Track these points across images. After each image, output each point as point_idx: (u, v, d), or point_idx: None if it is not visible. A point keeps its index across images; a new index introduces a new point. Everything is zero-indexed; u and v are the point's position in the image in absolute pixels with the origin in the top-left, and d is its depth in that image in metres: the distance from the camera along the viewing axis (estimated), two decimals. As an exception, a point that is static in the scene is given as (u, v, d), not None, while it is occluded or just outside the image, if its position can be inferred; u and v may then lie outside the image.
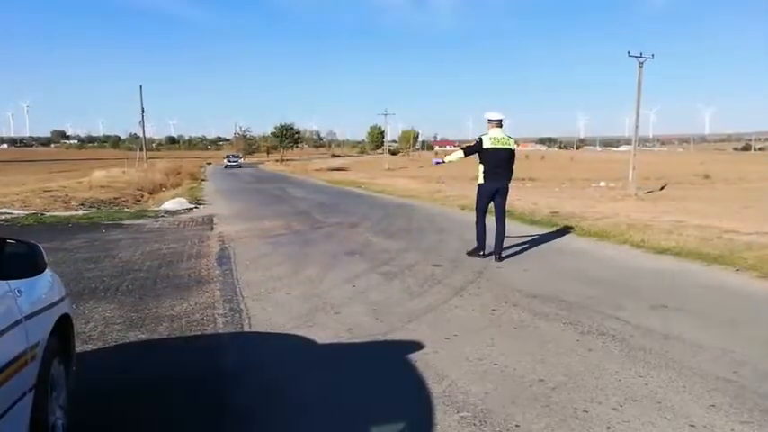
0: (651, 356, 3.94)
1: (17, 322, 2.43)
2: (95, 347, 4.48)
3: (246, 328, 4.93)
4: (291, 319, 5.13)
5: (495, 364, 3.86)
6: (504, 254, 7.83)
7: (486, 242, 7.88)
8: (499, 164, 7.62)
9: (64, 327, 3.09)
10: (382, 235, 10.51)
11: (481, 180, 7.74)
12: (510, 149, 7.69)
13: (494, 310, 5.24)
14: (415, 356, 4.07)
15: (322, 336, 4.65)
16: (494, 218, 7.85)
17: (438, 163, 9.03)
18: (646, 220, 11.20)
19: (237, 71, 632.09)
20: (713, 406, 3.20)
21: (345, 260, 7.97)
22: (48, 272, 3.15)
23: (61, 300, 3.08)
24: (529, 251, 8.43)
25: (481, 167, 7.71)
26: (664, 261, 7.51)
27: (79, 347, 4.39)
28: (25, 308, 2.55)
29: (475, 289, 6.07)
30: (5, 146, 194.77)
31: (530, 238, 9.68)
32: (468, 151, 7.81)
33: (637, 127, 32.71)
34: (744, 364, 3.77)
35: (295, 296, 5.98)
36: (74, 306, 5.62)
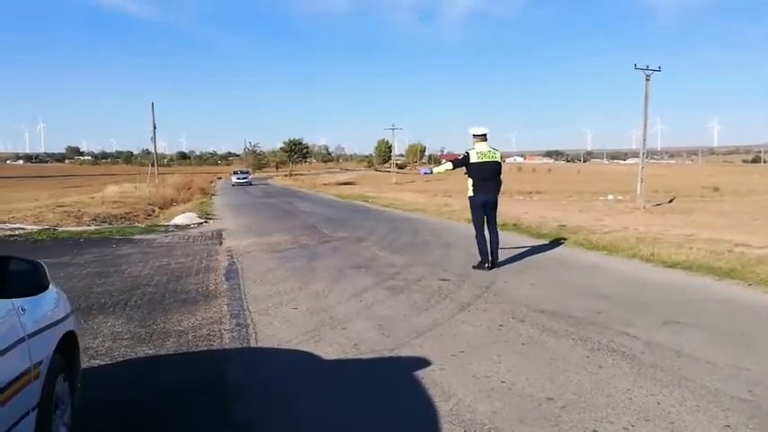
0: (663, 374, 3.87)
1: (20, 340, 2.41)
2: (103, 363, 4.48)
3: (253, 344, 4.91)
4: (298, 335, 5.10)
5: (503, 382, 3.80)
6: (511, 267, 7.85)
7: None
8: (487, 176, 7.95)
9: (69, 344, 3.07)
10: (389, 249, 10.47)
11: (471, 193, 8.06)
12: (497, 162, 8.06)
13: (501, 325, 5.18)
14: (421, 373, 4.02)
15: (328, 351, 4.61)
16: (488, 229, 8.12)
17: (426, 173, 9.25)
18: (655, 234, 11.12)
19: (247, 87, 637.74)
20: (728, 426, 3.12)
21: (352, 274, 7.94)
22: (53, 289, 3.13)
23: (66, 317, 3.06)
24: (536, 265, 8.36)
25: (470, 181, 8.04)
26: (674, 275, 7.42)
27: (86, 363, 4.40)
28: (29, 326, 2.53)
29: (482, 304, 6.02)
30: (21, 162, 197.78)
31: (537, 252, 9.61)
32: (456, 163, 8.17)
33: (644, 140, 32.55)
34: (759, 383, 3.69)
35: (301, 311, 5.95)
36: (82, 321, 5.65)
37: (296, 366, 4.39)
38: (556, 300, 6.11)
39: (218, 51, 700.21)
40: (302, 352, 4.64)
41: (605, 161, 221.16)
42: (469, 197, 8.14)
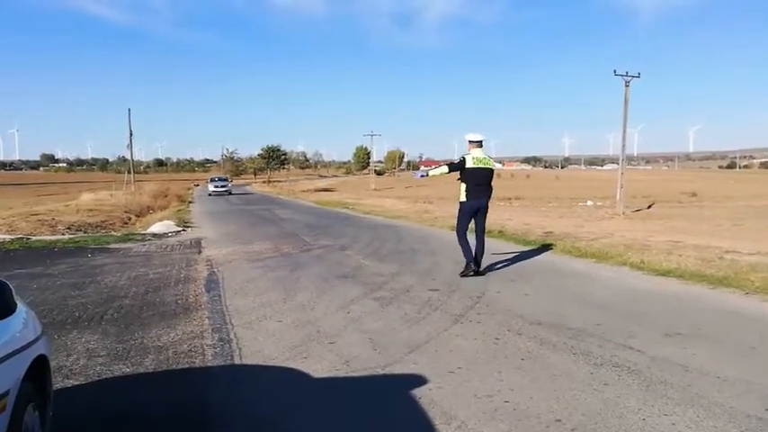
0: (673, 391, 3.67)
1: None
2: (77, 383, 4.18)
3: (237, 360, 4.63)
4: (284, 350, 4.84)
5: (507, 402, 3.57)
6: (501, 275, 7.69)
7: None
8: (480, 182, 7.98)
9: (39, 369, 2.78)
10: (374, 257, 10.23)
11: (463, 198, 8.03)
12: (491, 169, 8.09)
13: (497, 339, 4.96)
14: (418, 392, 3.78)
15: (317, 369, 4.35)
16: (474, 235, 8.15)
17: (422, 176, 9.15)
18: (642, 241, 11.04)
19: (224, 94, 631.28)
20: (749, 449, 2.94)
21: (338, 284, 7.69)
22: (21, 308, 2.84)
23: (36, 339, 2.77)
24: (527, 273, 8.18)
25: (463, 186, 8.02)
26: (667, 284, 7.28)
27: (60, 383, 4.13)
28: None
29: (475, 315, 5.80)
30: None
31: (526, 259, 9.46)
32: (452, 167, 8.17)
33: (624, 145, 32.72)
34: (773, 399, 3.51)
35: (287, 324, 5.69)
36: (56, 336, 5.36)
37: (283, 385, 4.12)
38: (551, 310, 5.92)
39: (195, 57, 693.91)
40: (290, 369, 4.38)
41: (583, 167, 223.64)
42: (461, 202, 8.10)
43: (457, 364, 4.32)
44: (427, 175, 9.10)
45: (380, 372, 4.25)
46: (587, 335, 4.96)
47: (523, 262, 9.31)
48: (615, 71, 31.10)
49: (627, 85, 31.19)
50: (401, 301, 6.60)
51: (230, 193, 47.48)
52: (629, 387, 3.76)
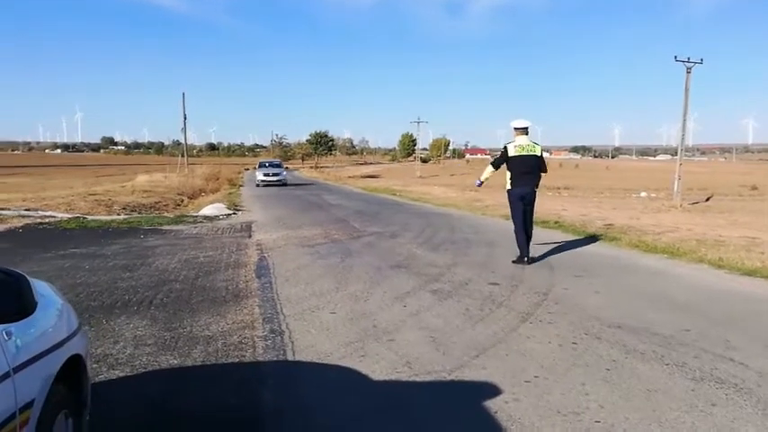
0: (797, 417, 3.14)
1: (1, 377, 1.81)
2: (122, 374, 3.94)
3: (290, 356, 4.31)
4: (339, 346, 4.48)
5: (598, 422, 3.10)
6: (567, 271, 7.20)
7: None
8: (525, 170, 7.89)
9: (74, 370, 2.46)
10: (426, 247, 9.81)
11: (509, 186, 8.02)
12: (536, 156, 7.96)
13: (574, 343, 4.47)
14: (492, 405, 3.35)
15: (376, 370, 3.97)
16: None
17: (479, 184, 8.90)
18: (713, 236, 10.27)
19: (274, 80, 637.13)
20: None
21: (391, 275, 7.31)
22: (55, 301, 2.52)
23: (70, 336, 2.44)
24: (594, 268, 7.61)
25: (508, 174, 8.01)
26: (755, 285, 6.62)
27: (105, 373, 3.90)
28: (14, 356, 1.93)
29: (545, 315, 5.32)
30: (59, 151, 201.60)
31: (590, 253, 8.90)
32: (496, 163, 8.18)
33: (683, 135, 31.25)
34: None
35: (340, 316, 5.34)
36: (104, 321, 5.14)
37: (341, 389, 3.75)
38: (629, 311, 5.38)
39: (247, 45, 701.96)
40: (347, 369, 4.02)
41: (634, 157, 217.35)
42: (507, 190, 8.07)
43: (532, 371, 3.87)
44: (483, 182, 8.70)
45: (447, 377, 3.84)
46: (677, 343, 4.42)
47: (587, 256, 8.74)
48: (676, 57, 29.64)
49: (688, 72, 29.69)
50: (460, 295, 6.17)
51: (285, 184, 34.74)
52: (741, 409, 3.24)
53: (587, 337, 4.60)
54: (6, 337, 1.92)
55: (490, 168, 8.26)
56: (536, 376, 3.78)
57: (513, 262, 7.93)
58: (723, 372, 3.80)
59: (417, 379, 3.83)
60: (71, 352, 2.36)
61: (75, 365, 2.45)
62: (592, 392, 3.50)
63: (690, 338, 4.51)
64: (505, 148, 7.99)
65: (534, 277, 7.02)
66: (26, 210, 14.54)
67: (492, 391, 3.57)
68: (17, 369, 1.90)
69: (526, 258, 7.87)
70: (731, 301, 5.91)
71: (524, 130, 7.97)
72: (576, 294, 6.13)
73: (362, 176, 56.90)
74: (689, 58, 29.70)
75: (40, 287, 2.47)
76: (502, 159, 8.00)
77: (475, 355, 4.23)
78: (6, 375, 1.84)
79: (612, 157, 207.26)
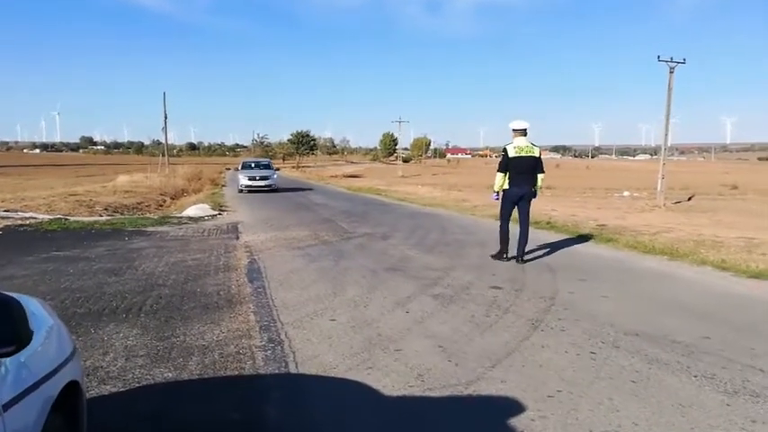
0: None
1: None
2: (114, 389, 3.64)
3: (292, 368, 4.03)
4: (344, 357, 4.22)
5: (636, 442, 2.89)
6: (569, 274, 6.99)
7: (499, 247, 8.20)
8: (523, 171, 7.95)
9: (69, 398, 2.17)
10: (420, 248, 9.58)
11: (506, 186, 8.07)
12: (534, 157, 7.99)
13: (593, 352, 4.25)
14: (518, 424, 3.11)
15: (386, 384, 3.71)
16: (517, 223, 8.16)
17: (497, 197, 8.39)
18: (711, 237, 10.16)
19: (255, 79, 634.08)
20: None
21: (387, 278, 7.06)
22: (49, 323, 2.23)
23: (66, 362, 2.15)
24: (596, 271, 7.44)
25: (507, 174, 8.06)
26: (766, 288, 6.48)
27: (95, 389, 3.58)
28: (4, 391, 1.64)
29: (555, 321, 5.10)
30: (38, 150, 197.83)
31: (588, 255, 8.75)
32: (502, 168, 8.10)
33: (666, 135, 31.30)
34: None
35: (341, 324, 5.08)
36: (92, 330, 4.81)
37: (350, 405, 3.49)
38: (643, 318, 5.18)
39: (228, 44, 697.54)
40: (354, 383, 3.75)
41: (614, 157, 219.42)
42: (504, 189, 8.12)
43: (554, 385, 3.64)
44: (499, 193, 8.23)
45: (464, 391, 3.59)
46: (701, 351, 4.22)
47: (586, 257, 8.58)
48: (659, 57, 29.76)
49: (671, 72, 29.77)
50: (463, 300, 5.94)
51: (275, 190, 27.48)
52: (785, 427, 3.05)
53: (605, 346, 4.38)
54: (-7, 369, 1.63)
55: (500, 175, 8.11)
56: (559, 390, 3.55)
57: (492, 257, 8.21)
58: (756, 384, 3.60)
59: (432, 394, 3.58)
60: (67, 379, 2.07)
61: (71, 392, 2.16)
62: (622, 408, 3.27)
63: (713, 347, 4.32)
64: (505, 150, 8.05)
65: (537, 281, 6.81)
66: (5, 211, 14.01)
67: (514, 406, 3.33)
68: (7, 405, 1.62)
69: (505, 255, 8.07)
70: (746, 306, 5.75)
71: (523, 132, 8.00)
72: (584, 299, 5.92)
73: (344, 176, 56.48)
74: (671, 58, 29.89)
75: (32, 305, 2.17)
76: (505, 162, 8.01)
77: (490, 367, 3.99)
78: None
79: (592, 157, 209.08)
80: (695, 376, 3.75)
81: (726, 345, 4.37)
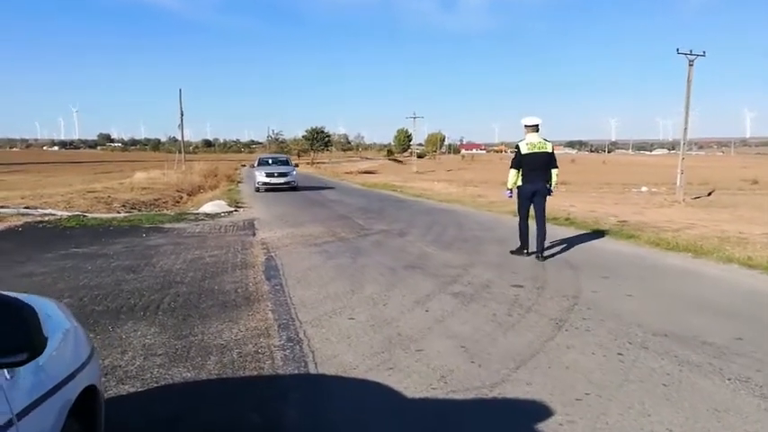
0: None
1: (2, 427, 1.47)
2: (132, 389, 3.60)
3: (312, 369, 3.96)
4: (364, 357, 4.15)
5: (671, 449, 2.78)
6: (591, 272, 6.85)
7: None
8: (537, 167, 7.96)
9: (88, 403, 2.11)
10: (437, 245, 9.49)
11: (520, 182, 8.08)
12: (547, 153, 7.99)
13: (620, 354, 4.14)
14: (545, 428, 3.01)
15: (408, 385, 3.63)
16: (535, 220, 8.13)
17: (510, 195, 8.48)
18: (736, 233, 9.93)
19: (269, 77, 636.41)
20: None
21: (406, 276, 6.98)
22: (66, 326, 2.17)
23: (83, 366, 2.09)
24: (618, 269, 7.28)
25: (520, 171, 8.06)
26: (796, 286, 6.29)
27: (113, 388, 3.55)
28: (19, 400, 1.57)
29: (579, 321, 4.98)
30: (56, 148, 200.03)
31: (610, 252, 8.58)
32: (515, 164, 8.09)
33: (686, 128, 30.84)
34: None
35: (360, 323, 5.01)
36: (110, 328, 4.78)
37: (372, 408, 3.41)
38: (670, 317, 5.04)
39: (238, 41, 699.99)
40: (376, 384, 3.68)
41: (631, 152, 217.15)
42: (518, 186, 8.13)
43: (582, 387, 3.53)
44: (512, 190, 8.29)
45: (489, 394, 3.50)
46: (733, 353, 4.08)
47: (608, 254, 8.43)
48: (678, 50, 29.30)
49: (691, 65, 29.32)
50: (484, 298, 5.83)
51: (295, 188, 25.44)
52: (828, 434, 2.92)
53: (632, 347, 4.26)
54: (8, 377, 1.57)
55: (513, 172, 8.09)
56: (587, 393, 3.44)
57: (512, 252, 8.27)
58: (793, 388, 3.47)
59: (456, 396, 3.49)
60: (84, 384, 2.01)
61: (88, 397, 2.10)
62: (653, 413, 3.16)
63: (745, 349, 4.18)
64: (518, 146, 8.05)
65: (558, 278, 6.69)
66: (25, 208, 14.19)
67: (541, 410, 3.23)
68: (22, 413, 1.56)
69: (525, 251, 8.07)
70: (775, 305, 5.58)
71: (535, 128, 8.00)
72: (608, 298, 5.79)
73: (359, 172, 56.50)
74: (691, 51, 29.41)
75: (48, 308, 2.11)
76: (518, 159, 8.00)
77: (514, 368, 3.89)
78: (9, 424, 1.49)
79: (609, 152, 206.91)
80: (729, 379, 3.62)
81: (758, 346, 4.23)
